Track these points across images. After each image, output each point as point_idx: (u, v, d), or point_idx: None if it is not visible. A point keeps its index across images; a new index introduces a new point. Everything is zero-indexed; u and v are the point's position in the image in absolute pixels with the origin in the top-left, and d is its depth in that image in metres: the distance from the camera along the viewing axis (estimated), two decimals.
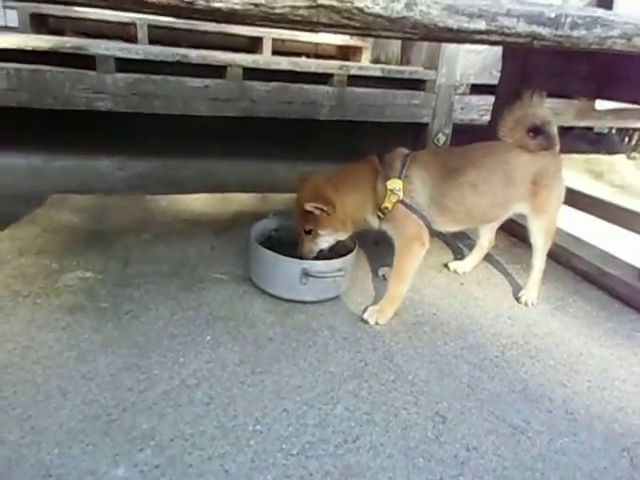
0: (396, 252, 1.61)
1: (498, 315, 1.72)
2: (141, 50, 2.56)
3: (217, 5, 0.87)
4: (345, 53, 5.00)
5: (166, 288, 1.60)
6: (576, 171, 4.17)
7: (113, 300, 1.50)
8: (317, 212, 1.53)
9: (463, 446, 1.13)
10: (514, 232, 2.34)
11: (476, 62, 3.41)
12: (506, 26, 1.03)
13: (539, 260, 1.78)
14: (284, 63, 2.92)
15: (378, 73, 3.14)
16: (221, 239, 2.01)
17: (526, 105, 1.62)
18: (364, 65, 3.74)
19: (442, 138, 3.41)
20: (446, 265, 2.04)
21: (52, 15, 3.87)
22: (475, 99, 3.45)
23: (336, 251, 1.69)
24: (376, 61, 4.63)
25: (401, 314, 1.63)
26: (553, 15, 1.07)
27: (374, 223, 1.64)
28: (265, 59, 2.97)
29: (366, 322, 1.56)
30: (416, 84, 3.31)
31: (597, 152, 4.73)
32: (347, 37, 4.93)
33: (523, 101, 1.65)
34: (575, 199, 2.18)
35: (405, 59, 4.17)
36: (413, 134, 3.50)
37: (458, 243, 2.30)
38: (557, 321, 1.72)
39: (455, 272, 2.00)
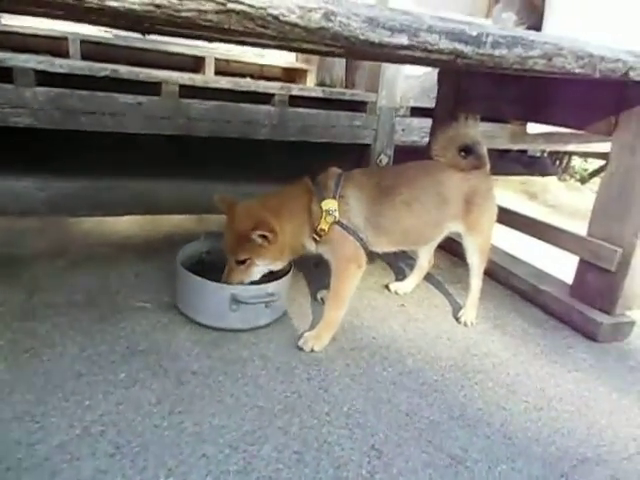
0: (332, 275, 1.54)
1: (438, 336, 1.68)
2: (65, 64, 2.40)
3: (112, 4, 0.78)
4: (291, 75, 5.01)
5: (78, 321, 1.44)
6: (513, 192, 4.36)
7: (11, 336, 1.31)
8: (260, 240, 1.44)
9: None
10: (455, 252, 2.35)
11: (415, 86, 3.49)
12: (429, 42, 1.01)
13: (476, 279, 1.77)
14: (223, 82, 2.85)
15: (319, 94, 3.13)
16: (148, 264, 1.87)
17: (458, 126, 1.63)
18: (305, 87, 3.75)
19: (385, 159, 3.45)
20: (387, 286, 2.00)
21: None
22: (416, 121, 3.52)
23: (271, 274, 1.60)
24: (321, 84, 4.66)
25: (339, 339, 1.56)
26: (474, 33, 1.06)
27: (311, 247, 1.57)
28: (203, 77, 2.90)
29: (301, 349, 1.47)
30: (358, 106, 3.35)
31: (531, 174, 4.99)
32: (292, 59, 4.96)
33: (457, 122, 1.67)
34: (510, 219, 2.23)
35: (350, 82, 4.23)
36: (356, 155, 3.52)
37: (400, 263, 2.27)
38: (496, 340, 1.71)
39: (396, 293, 1.97)
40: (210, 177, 2.91)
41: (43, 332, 1.36)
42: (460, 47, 1.05)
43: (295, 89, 3.04)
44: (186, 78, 2.69)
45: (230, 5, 0.83)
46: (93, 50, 3.99)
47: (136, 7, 0.79)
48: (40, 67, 2.31)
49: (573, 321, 1.85)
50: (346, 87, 4.22)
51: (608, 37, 1.77)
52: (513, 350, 1.66)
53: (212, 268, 1.62)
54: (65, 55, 3.84)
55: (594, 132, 1.85)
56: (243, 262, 1.47)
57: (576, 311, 1.84)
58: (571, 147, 4.33)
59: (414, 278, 1.98)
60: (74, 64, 2.47)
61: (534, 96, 2.08)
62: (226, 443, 1.08)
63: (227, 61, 4.67)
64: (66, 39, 3.88)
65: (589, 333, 1.78)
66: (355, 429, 1.19)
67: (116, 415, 1.10)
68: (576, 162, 5.33)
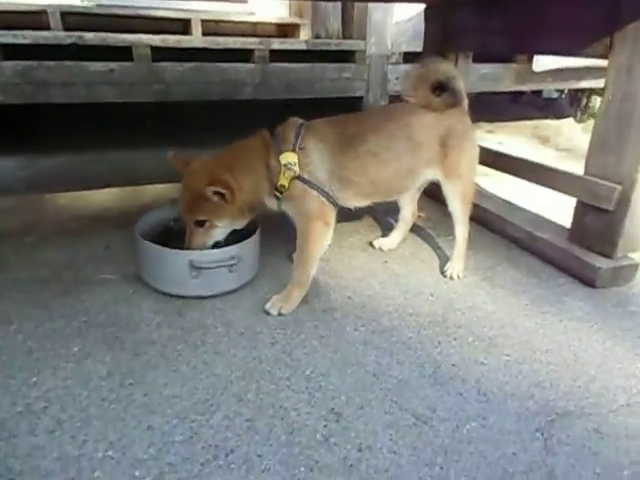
0: (298, 234, 1.46)
1: (419, 292, 1.59)
2: (28, 34, 2.30)
3: None
4: (284, 31, 4.77)
5: (38, 296, 1.41)
6: (524, 137, 4.12)
7: None
8: (215, 198, 1.35)
9: (355, 446, 0.99)
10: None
11: (406, 29, 3.25)
12: None
13: (461, 228, 1.65)
14: (197, 41, 2.71)
15: (302, 46, 2.95)
16: (120, 236, 1.81)
17: (428, 62, 1.47)
18: (287, 40, 3.54)
19: None
20: (371, 243, 1.90)
21: None
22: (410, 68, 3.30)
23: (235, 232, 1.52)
24: (317, 38, 4.43)
25: (311, 301, 1.48)
26: None
27: (272, 205, 1.48)
28: (176, 37, 2.74)
29: (268, 313, 1.40)
30: (347, 56, 3.14)
31: (546, 117, 4.69)
32: (285, 14, 4.71)
33: (428, 59, 1.51)
34: (502, 162, 2.08)
35: (347, 34, 3.99)
36: (349, 109, 3.34)
37: (389, 219, 2.15)
38: (483, 293, 1.60)
39: (380, 250, 1.86)
40: (193, 142, 2.81)
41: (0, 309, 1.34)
42: None
43: (275, 43, 2.86)
44: (157, 40, 2.55)
45: None
46: (75, 21, 3.84)
47: None
48: (2, 40, 2.23)
49: (570, 268, 1.71)
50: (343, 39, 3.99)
51: None
52: (501, 302, 1.55)
53: (180, 236, 1.55)
54: (47, 29, 3.73)
55: (589, 56, 1.65)
56: (202, 224, 1.40)
57: (573, 257, 1.70)
58: (585, 84, 4.00)
59: (398, 232, 1.87)
60: (39, 34, 2.37)
61: (524, 25, 1.88)
62: (175, 413, 1.04)
63: (216, 22, 4.46)
64: (46, 12, 3.75)
65: (587, 279, 1.65)
66: (315, 393, 1.13)
67: (62, 390, 1.07)
68: (597, 102, 4.96)
